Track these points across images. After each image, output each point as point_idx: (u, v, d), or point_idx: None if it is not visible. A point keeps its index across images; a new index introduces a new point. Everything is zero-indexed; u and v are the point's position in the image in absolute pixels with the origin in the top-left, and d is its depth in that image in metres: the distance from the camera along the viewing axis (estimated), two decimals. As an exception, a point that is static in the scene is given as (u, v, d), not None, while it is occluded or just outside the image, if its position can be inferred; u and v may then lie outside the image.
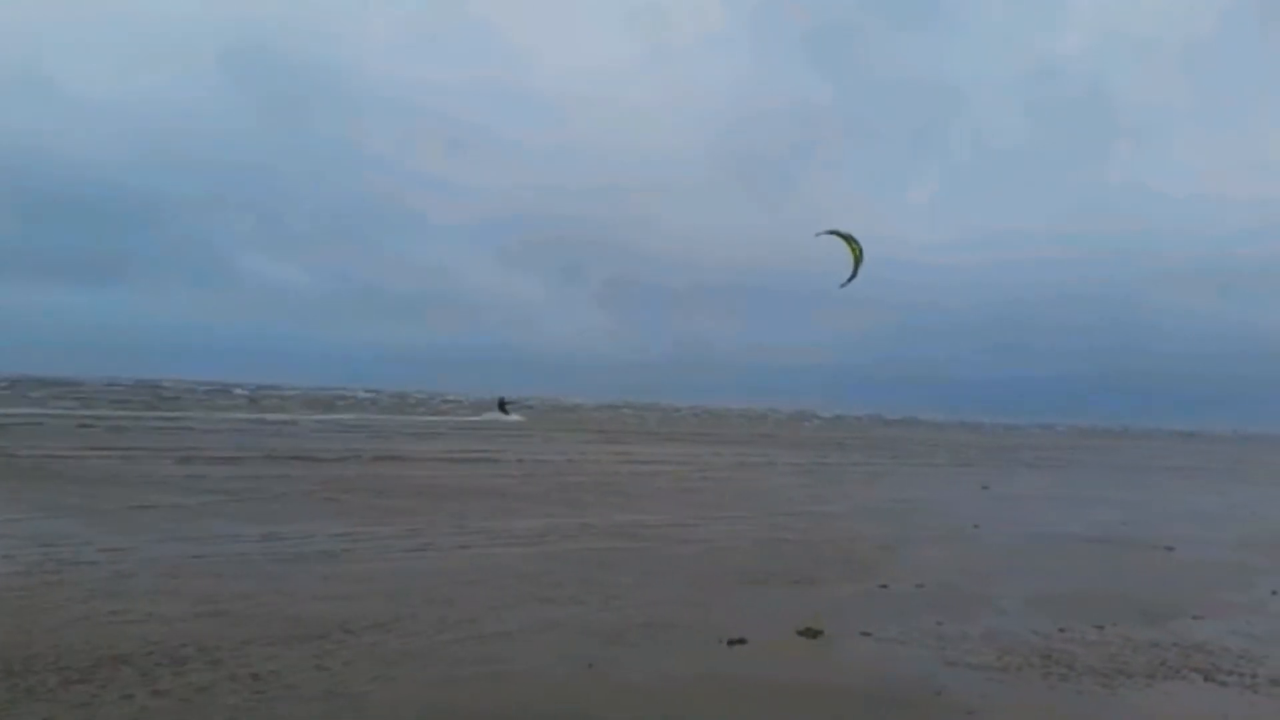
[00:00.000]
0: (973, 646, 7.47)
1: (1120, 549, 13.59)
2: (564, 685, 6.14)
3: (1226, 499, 24.08)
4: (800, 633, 7.64)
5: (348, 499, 15.19)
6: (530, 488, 18.53)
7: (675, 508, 16.09)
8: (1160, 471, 37.37)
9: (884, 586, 9.83)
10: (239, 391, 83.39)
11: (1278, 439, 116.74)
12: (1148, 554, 13.17)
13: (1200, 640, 8.00)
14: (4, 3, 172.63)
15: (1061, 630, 8.13)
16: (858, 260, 20.67)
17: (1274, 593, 10.49)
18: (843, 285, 20.85)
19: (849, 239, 20.30)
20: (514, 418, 64.71)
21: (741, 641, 7.27)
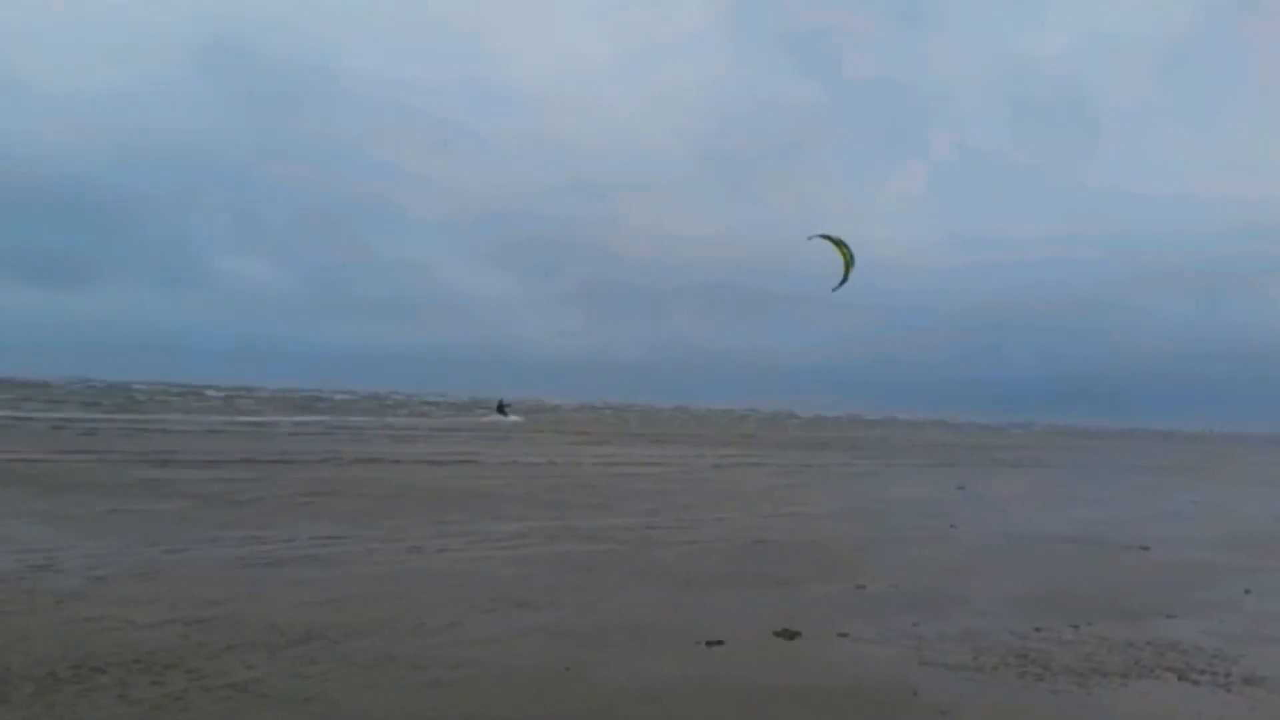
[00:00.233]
0: (949, 646, 7.54)
1: (1096, 549, 13.72)
2: (541, 688, 6.16)
3: (1202, 498, 24.32)
4: (778, 634, 7.69)
5: (327, 502, 15.13)
6: (511, 490, 18.52)
7: (656, 510, 16.11)
8: (1137, 471, 37.70)
9: (861, 587, 9.90)
10: (213, 393, 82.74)
11: (1254, 438, 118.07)
12: (1124, 554, 13.30)
13: (1175, 639, 8.10)
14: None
15: (1037, 630, 8.22)
16: (849, 264, 20.80)
17: (1247, 592, 10.61)
18: (834, 289, 20.99)
19: (840, 243, 20.42)
20: (514, 419, 64.80)
21: (719, 643, 7.31)
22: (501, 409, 68.07)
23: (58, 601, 7.92)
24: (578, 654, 6.93)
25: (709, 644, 7.29)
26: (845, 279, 20.87)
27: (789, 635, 7.67)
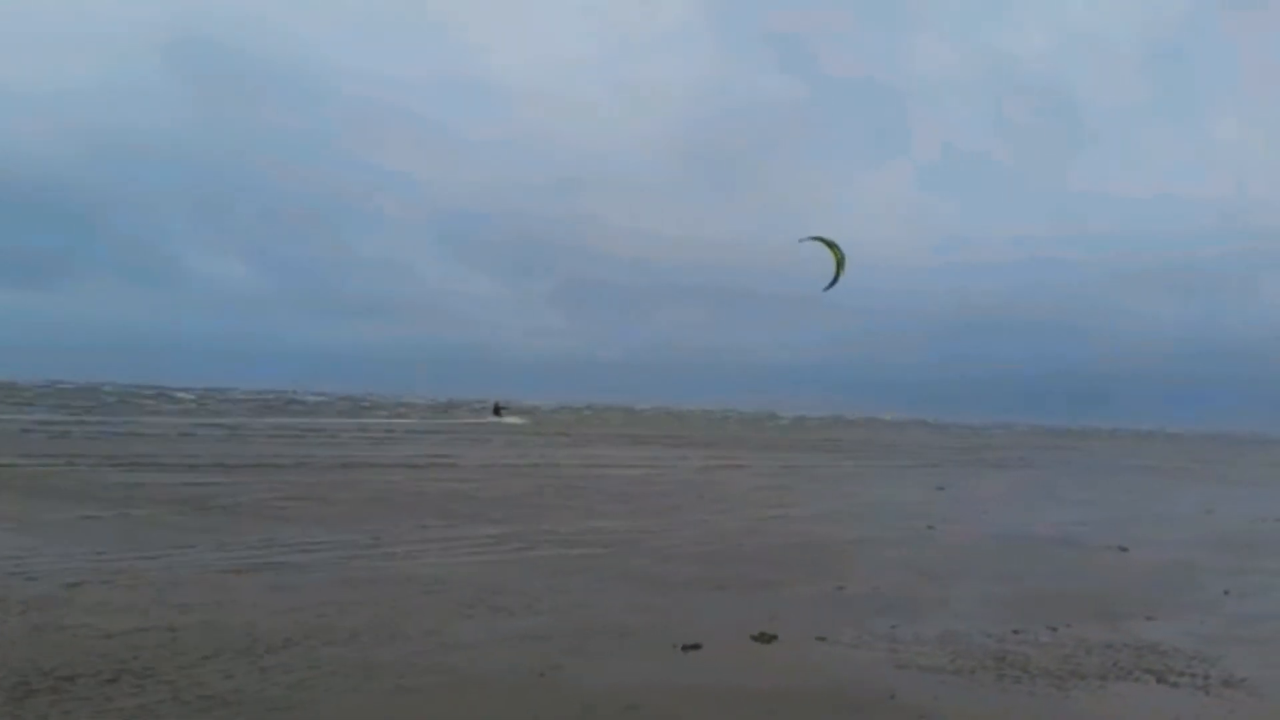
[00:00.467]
0: (926, 649, 7.57)
1: (1075, 550, 13.80)
2: (517, 694, 6.16)
3: (1182, 499, 24.54)
4: (755, 637, 7.71)
5: (304, 507, 15.08)
6: (491, 493, 18.50)
7: (636, 512, 16.15)
8: (1118, 471, 37.95)
9: (840, 589, 9.93)
10: (185, 395, 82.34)
11: (1236, 438, 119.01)
12: (1102, 555, 13.39)
13: (1153, 641, 8.16)
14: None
15: (1015, 632, 8.26)
16: (840, 265, 20.88)
17: (1226, 593, 10.70)
18: (826, 289, 21.07)
19: (832, 245, 20.50)
20: (512, 420, 64.80)
21: (696, 647, 7.33)
22: (498, 411, 68.13)
23: (30, 609, 7.86)
24: (555, 659, 6.92)
25: (686, 648, 7.30)
26: (836, 279, 20.96)
27: (766, 639, 7.68)
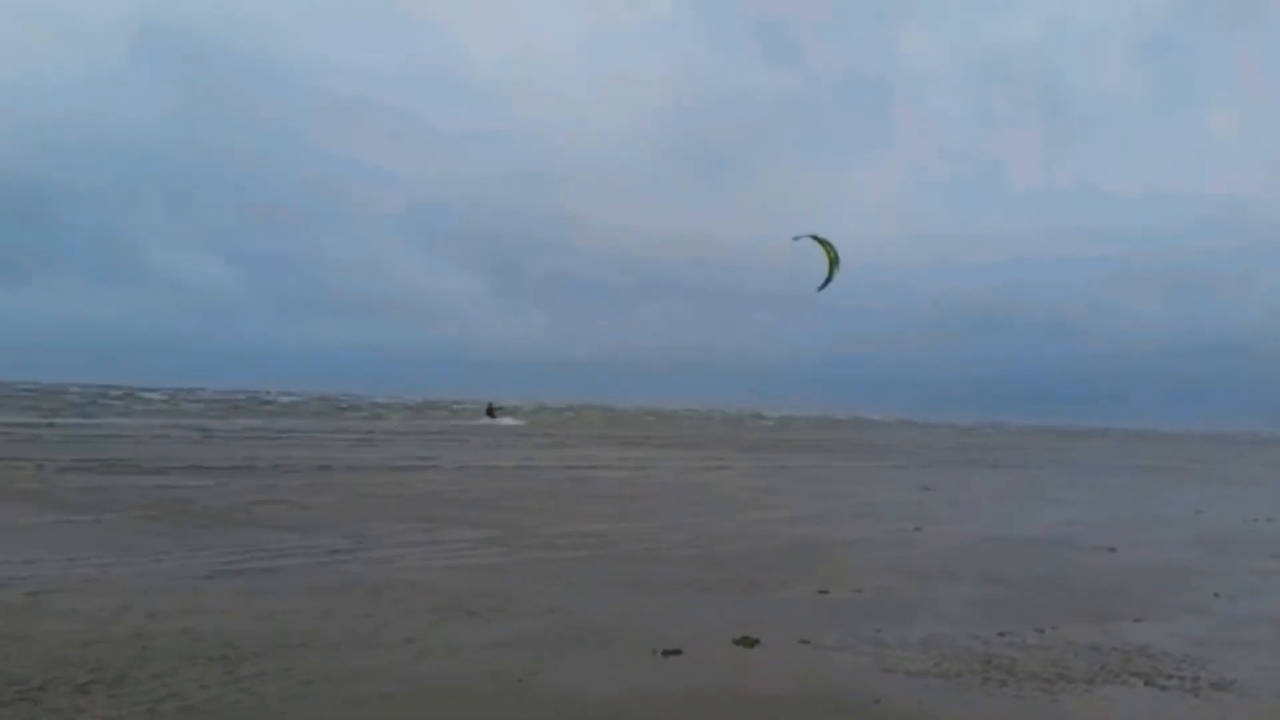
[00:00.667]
0: (911, 653, 7.58)
1: (1064, 550, 13.85)
2: (493, 701, 6.13)
3: (1174, 499, 24.66)
4: (737, 641, 7.70)
5: (280, 511, 15.01)
6: (471, 496, 18.45)
7: (618, 515, 16.14)
8: (1108, 472, 38.12)
9: (824, 592, 9.93)
10: (153, 396, 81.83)
11: (1229, 437, 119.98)
12: (1091, 556, 13.44)
13: (1142, 643, 8.18)
14: None
15: (1002, 635, 8.27)
16: (833, 264, 20.97)
17: (1216, 595, 10.74)
18: (819, 289, 21.17)
19: (825, 243, 20.59)
20: (507, 421, 64.56)
21: (676, 652, 7.31)
22: (491, 412, 67.83)
23: (-9, 616, 7.78)
24: (532, 665, 6.89)
25: (666, 653, 7.28)
26: (829, 278, 21.07)
27: (748, 643, 7.67)
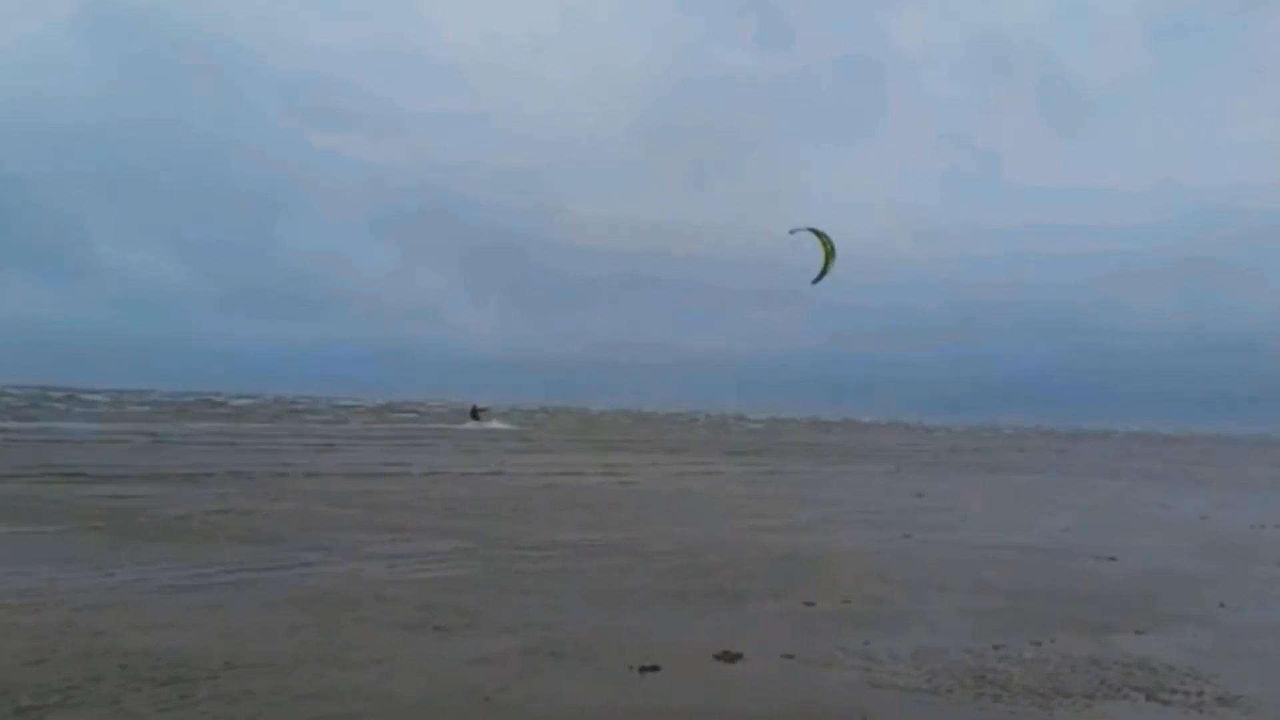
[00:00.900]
0: (901, 667, 7.61)
1: (1061, 559, 13.94)
2: (460, 721, 6.14)
3: (1178, 505, 24.79)
4: (718, 656, 7.72)
5: (237, 521, 14.95)
6: (442, 504, 18.41)
7: (598, 523, 16.15)
8: (1109, 476, 38.36)
9: (810, 604, 9.96)
10: (96, 398, 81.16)
11: (1237, 440, 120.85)
12: (1090, 565, 13.52)
13: (1143, 656, 8.23)
14: None
15: (996, 648, 8.32)
16: (829, 257, 21.08)
17: (1222, 605, 10.81)
18: (814, 282, 21.28)
19: (821, 235, 20.69)
20: (494, 424, 64.10)
21: (654, 668, 7.31)
22: (475, 414, 67.41)
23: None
24: (503, 682, 6.89)
25: (643, 669, 7.29)
26: (825, 272, 21.19)
27: (730, 658, 7.69)
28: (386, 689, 6.68)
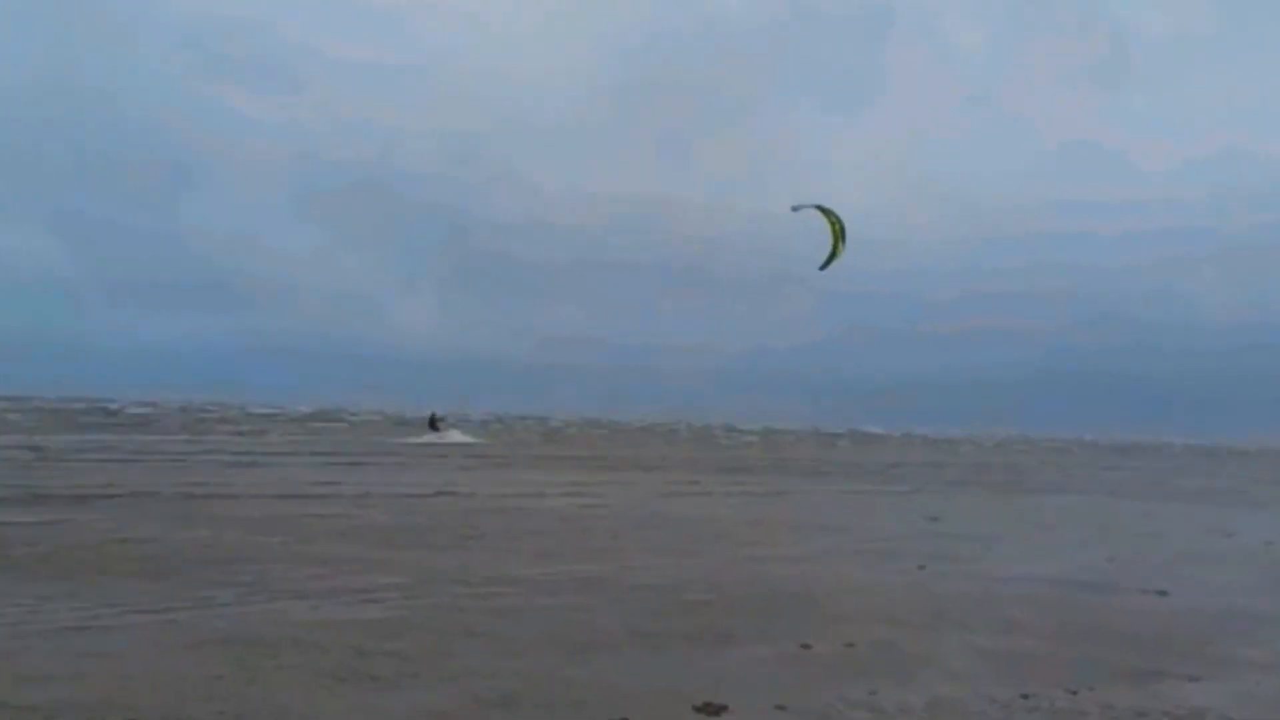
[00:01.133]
0: (914, 720, 7.67)
1: (1102, 594, 14.05)
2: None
3: (1240, 530, 24.94)
4: (699, 708, 7.75)
5: (134, 551, 14.88)
6: (378, 531, 18.42)
7: (563, 555, 16.19)
8: (1160, 495, 38.60)
9: (807, 646, 10.01)
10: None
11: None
12: (1136, 600, 13.63)
13: (1198, 707, 8.30)
14: None
15: (1025, 697, 8.38)
16: (839, 239, 21.17)
17: (1289, 647, 10.94)
18: (822, 268, 21.38)
19: (828, 213, 20.78)
20: (456, 437, 63.68)
21: (624, 724, 7.35)
22: (434, 424, 67.01)
23: None
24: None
25: (611, 726, 7.32)
26: (834, 256, 21.30)
27: (713, 710, 7.72)
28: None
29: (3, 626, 9.87)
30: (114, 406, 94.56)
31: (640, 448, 71.51)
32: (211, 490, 25.32)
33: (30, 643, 9.29)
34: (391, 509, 22.57)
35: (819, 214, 21.28)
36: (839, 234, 21.28)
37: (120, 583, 12.41)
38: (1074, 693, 8.56)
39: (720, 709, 7.75)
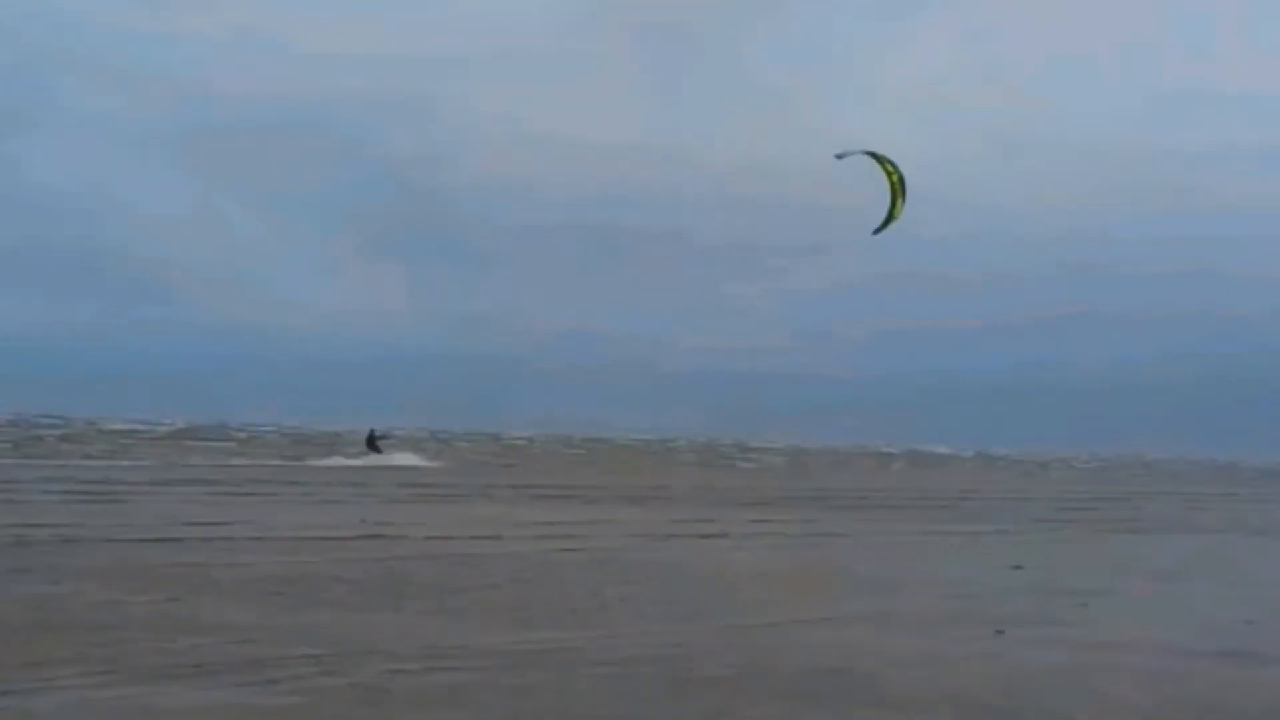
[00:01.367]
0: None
1: (1238, 666, 13.99)
2: None
3: None
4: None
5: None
6: (278, 587, 18.33)
7: (529, 618, 16.14)
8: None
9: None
10: None
11: None
12: (1281, 674, 13.61)
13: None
14: None
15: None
16: (898, 193, 21.23)
17: None
18: (876, 231, 21.45)
19: (882, 160, 20.82)
20: (404, 459, 64.24)
21: None
22: (372, 442, 67.52)
23: None
24: None
25: None
26: (892, 216, 21.36)
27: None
28: None
29: None
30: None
31: (629, 472, 71.69)
32: (54, 533, 25.25)
33: None
34: (300, 556, 22.52)
35: (872, 162, 21.30)
36: (898, 188, 21.29)
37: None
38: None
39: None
